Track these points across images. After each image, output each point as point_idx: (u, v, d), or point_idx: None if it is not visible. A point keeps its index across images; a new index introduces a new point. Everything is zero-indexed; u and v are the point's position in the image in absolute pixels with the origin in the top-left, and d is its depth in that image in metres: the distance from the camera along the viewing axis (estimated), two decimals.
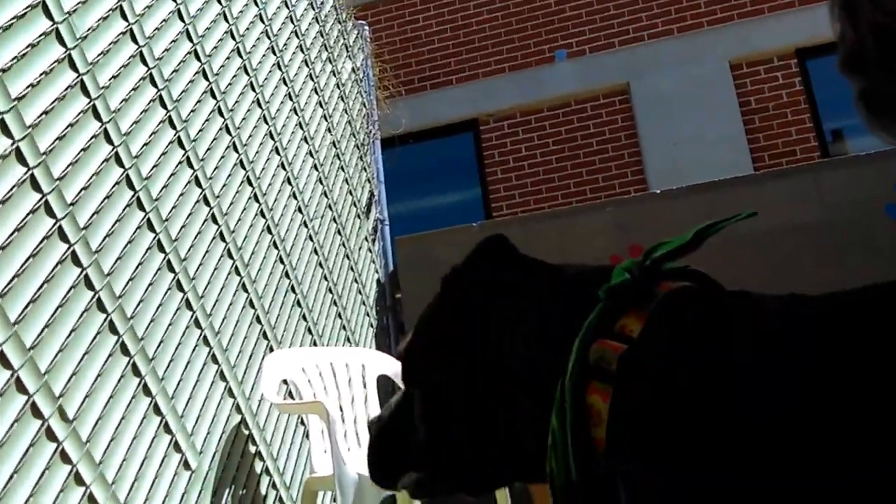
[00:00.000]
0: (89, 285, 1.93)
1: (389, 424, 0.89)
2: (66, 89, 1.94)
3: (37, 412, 1.72)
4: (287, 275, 3.12)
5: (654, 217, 4.11)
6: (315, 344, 3.30)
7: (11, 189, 1.74)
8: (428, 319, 0.83)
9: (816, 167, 4.69)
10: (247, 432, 2.60)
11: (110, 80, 2.13)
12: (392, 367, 3.13)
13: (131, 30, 2.25)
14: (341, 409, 2.88)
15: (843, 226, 3.97)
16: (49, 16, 1.93)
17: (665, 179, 5.75)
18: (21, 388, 1.69)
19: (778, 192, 4.16)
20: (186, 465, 2.23)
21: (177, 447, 2.19)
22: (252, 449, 2.63)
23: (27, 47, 1.84)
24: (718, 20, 6.40)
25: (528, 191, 6.45)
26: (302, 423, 3.02)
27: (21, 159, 1.78)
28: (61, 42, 1.96)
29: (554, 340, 0.68)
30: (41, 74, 1.87)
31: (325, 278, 3.57)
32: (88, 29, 2.07)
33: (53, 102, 1.90)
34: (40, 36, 1.89)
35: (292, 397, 2.87)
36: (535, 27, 6.82)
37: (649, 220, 4.09)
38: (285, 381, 2.82)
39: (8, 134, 1.75)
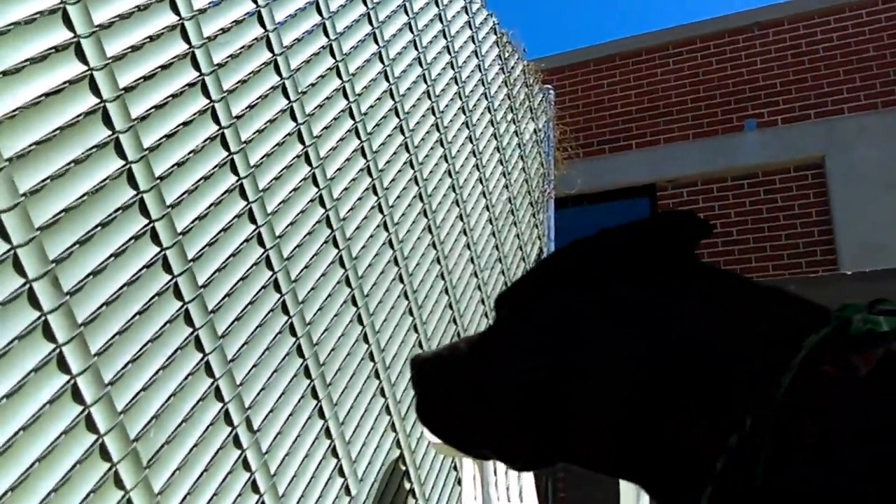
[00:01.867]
0: (285, 310, 2.15)
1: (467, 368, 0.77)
2: (285, 136, 2.21)
3: (228, 420, 1.93)
4: (455, 321, 3.25)
5: (842, 300, 3.83)
6: None
7: (222, 195, 2.00)
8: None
9: None
10: (403, 468, 2.72)
11: (322, 130, 2.39)
12: None
13: (343, 87, 2.52)
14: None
15: None
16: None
17: (859, 261, 5.34)
18: (219, 396, 1.91)
19: None
20: (347, 491, 2.37)
21: (341, 472, 2.34)
22: (407, 485, 2.73)
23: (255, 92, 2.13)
24: None
25: (703, 262, 6.23)
26: (455, 468, 3.09)
27: (242, 191, 2.05)
28: (293, 117, 2.24)
29: (754, 344, 0.67)
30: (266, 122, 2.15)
31: None
32: (308, 84, 2.34)
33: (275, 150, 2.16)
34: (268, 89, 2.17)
35: None
36: (724, 95, 6.66)
37: (837, 302, 3.82)
38: None
39: (235, 172, 2.02)
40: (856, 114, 6.13)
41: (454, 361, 0.80)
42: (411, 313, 2.87)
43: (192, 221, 1.88)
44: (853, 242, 5.80)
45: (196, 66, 1.94)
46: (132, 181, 1.73)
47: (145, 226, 1.75)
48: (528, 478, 3.04)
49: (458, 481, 3.08)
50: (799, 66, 6.43)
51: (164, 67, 1.84)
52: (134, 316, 1.70)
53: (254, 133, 2.10)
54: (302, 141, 2.29)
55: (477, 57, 3.73)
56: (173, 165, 1.84)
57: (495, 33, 4.01)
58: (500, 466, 2.98)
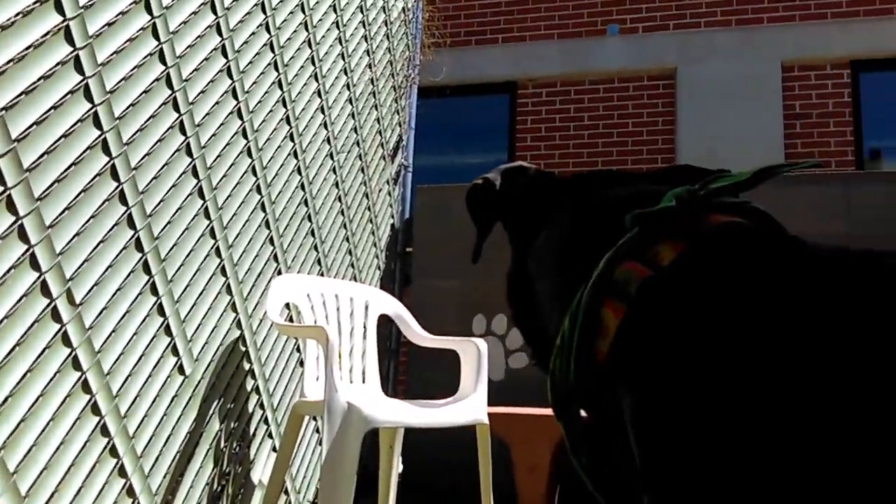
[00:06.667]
0: (115, 177, 1.94)
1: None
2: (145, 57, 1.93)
3: (46, 291, 1.75)
4: (305, 202, 3.13)
5: None
6: (322, 275, 3.32)
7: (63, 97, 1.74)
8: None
9: (849, 178, 4.64)
10: (243, 349, 2.64)
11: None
12: (395, 309, 3.14)
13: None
14: (340, 340, 2.90)
15: (867, 241, 3.92)
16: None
17: None
18: (35, 265, 1.71)
19: (806, 198, 4.12)
20: (181, 370, 2.27)
21: (174, 350, 2.23)
22: (246, 366, 2.66)
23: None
24: (778, 19, 6.25)
25: (554, 162, 6.40)
26: (298, 349, 3.05)
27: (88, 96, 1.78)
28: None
29: (586, 252, 0.69)
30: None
31: (342, 213, 3.57)
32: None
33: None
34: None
35: (293, 321, 2.90)
36: None
37: None
38: (288, 305, 2.84)
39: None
40: (710, 29, 6.37)
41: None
42: (259, 191, 2.71)
43: (30, 126, 1.62)
44: (692, 152, 6.15)
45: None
46: None
47: None
48: (372, 359, 3.07)
49: (301, 363, 3.05)
50: None
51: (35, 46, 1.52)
52: None
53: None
54: (150, 11, 2.01)
55: None
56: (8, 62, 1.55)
57: None
58: (345, 348, 2.97)
